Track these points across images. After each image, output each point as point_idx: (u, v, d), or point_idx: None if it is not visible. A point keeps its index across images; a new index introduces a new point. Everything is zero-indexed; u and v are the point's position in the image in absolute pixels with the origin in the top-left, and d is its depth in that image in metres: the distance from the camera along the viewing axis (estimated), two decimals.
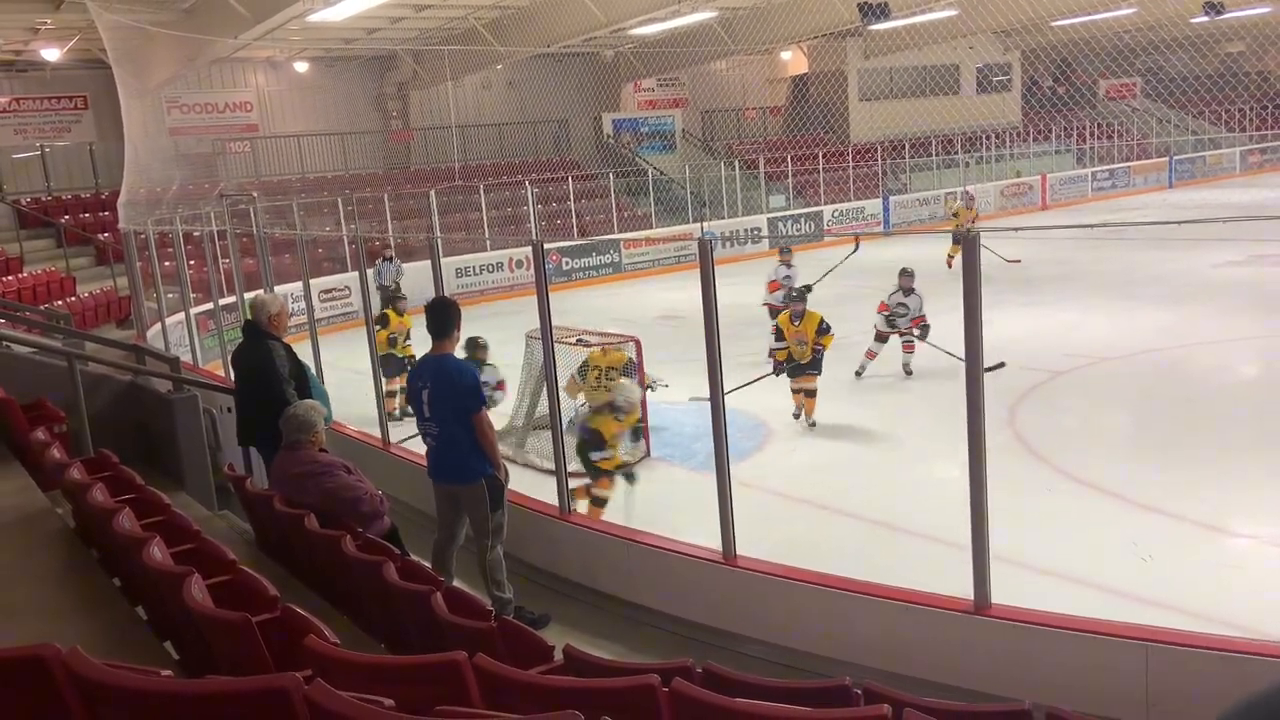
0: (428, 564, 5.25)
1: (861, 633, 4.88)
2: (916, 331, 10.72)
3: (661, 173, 25.66)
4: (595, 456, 7.00)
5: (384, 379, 9.31)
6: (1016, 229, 18.93)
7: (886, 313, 10.78)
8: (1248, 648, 3.99)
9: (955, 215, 19.55)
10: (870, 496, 7.46)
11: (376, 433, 8.26)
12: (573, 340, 9.00)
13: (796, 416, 9.55)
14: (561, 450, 6.36)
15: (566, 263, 20.35)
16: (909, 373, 10.84)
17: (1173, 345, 11.34)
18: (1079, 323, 12.99)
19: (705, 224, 21.71)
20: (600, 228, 23.21)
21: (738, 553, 5.37)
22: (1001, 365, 8.93)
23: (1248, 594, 5.50)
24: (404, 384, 10.44)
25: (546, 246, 7.24)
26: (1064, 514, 6.83)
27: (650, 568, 5.75)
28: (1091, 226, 6.34)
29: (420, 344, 7.31)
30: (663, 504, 7.47)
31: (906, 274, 10.78)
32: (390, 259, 14.82)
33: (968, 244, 4.23)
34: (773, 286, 11.98)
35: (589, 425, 7.12)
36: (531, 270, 6.56)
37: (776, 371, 9.56)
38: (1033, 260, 16.50)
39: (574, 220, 23.04)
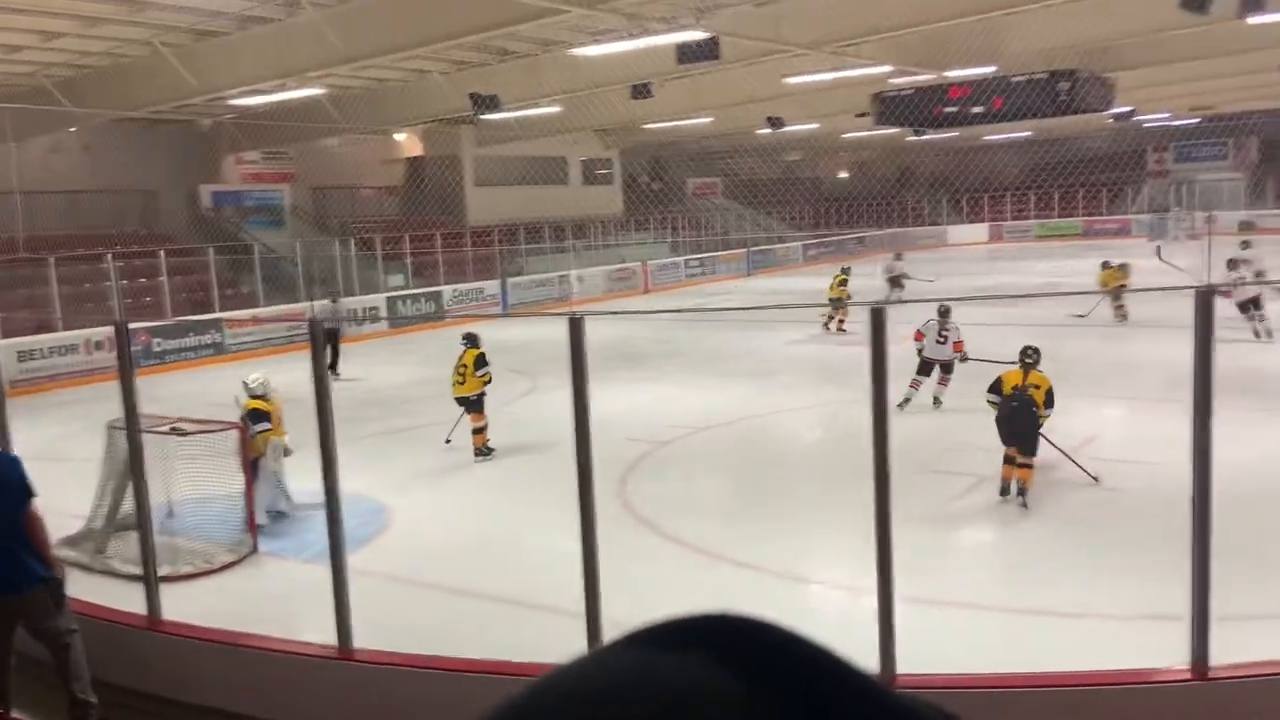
0: None
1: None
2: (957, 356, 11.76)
3: (270, 249, 24.35)
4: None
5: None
6: (617, 312, 20.35)
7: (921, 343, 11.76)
8: None
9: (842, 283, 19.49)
10: (495, 575, 7.45)
11: None
12: (165, 429, 8.18)
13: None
14: (151, 552, 5.69)
15: (158, 344, 18.51)
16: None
17: (757, 414, 12.70)
18: (679, 396, 14.12)
19: (317, 303, 20.86)
20: (199, 306, 21.45)
21: (355, 645, 5.10)
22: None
23: (820, 633, 6.18)
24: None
25: (132, 326, 6.57)
26: (671, 575, 7.29)
27: (257, 672, 5.28)
28: (686, 311, 6.98)
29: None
30: (274, 601, 6.95)
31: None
32: None
33: (573, 325, 4.45)
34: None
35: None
36: (114, 352, 5.89)
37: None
38: (637, 338, 17.77)
39: (167, 298, 21.08)
